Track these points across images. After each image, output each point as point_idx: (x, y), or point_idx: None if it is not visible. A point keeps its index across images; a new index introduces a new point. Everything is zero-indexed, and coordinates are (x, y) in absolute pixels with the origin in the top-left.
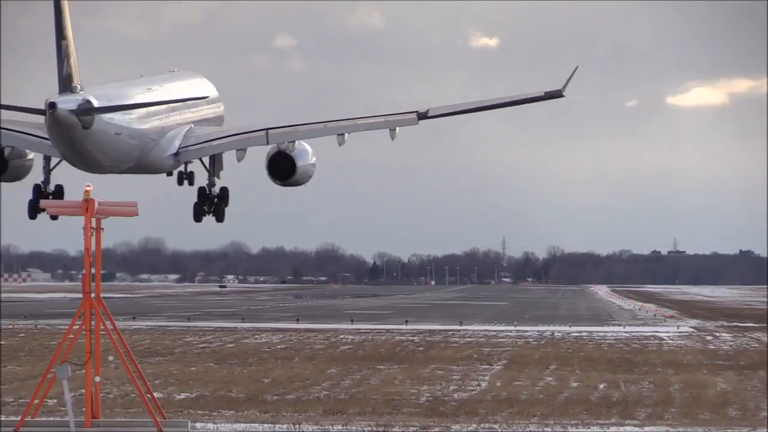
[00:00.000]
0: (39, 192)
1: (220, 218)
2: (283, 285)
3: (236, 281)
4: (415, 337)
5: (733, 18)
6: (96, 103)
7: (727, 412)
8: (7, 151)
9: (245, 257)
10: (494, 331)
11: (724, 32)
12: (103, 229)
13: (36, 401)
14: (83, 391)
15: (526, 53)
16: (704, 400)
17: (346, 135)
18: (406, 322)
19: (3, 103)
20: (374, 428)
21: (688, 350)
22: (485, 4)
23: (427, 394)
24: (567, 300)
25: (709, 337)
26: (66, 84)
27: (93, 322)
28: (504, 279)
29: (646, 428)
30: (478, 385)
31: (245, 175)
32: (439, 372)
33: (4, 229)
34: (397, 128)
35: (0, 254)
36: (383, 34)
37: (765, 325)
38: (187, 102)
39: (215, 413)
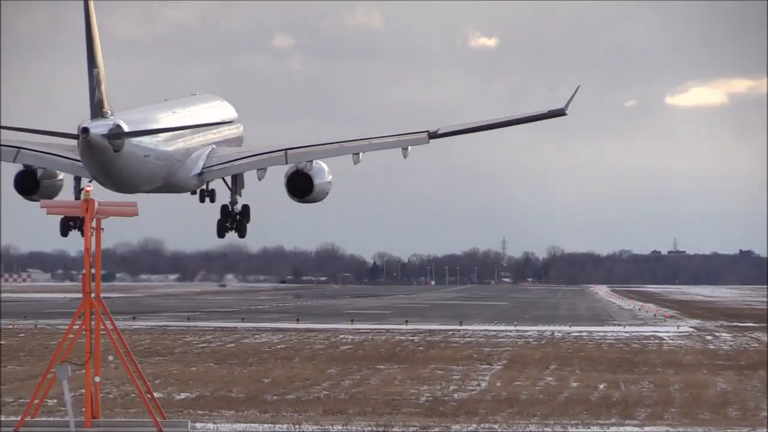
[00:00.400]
0: (226, 212)
1: (242, 234)
2: (283, 285)
3: (236, 281)
4: (415, 337)
5: (731, 18)
6: (126, 128)
7: (727, 412)
8: (39, 172)
9: (245, 257)
10: (494, 331)
11: (723, 32)
12: (103, 229)
13: (36, 401)
14: (83, 391)
15: (525, 53)
16: (704, 400)
17: (361, 154)
18: (406, 322)
19: (34, 128)
20: (374, 428)
21: (688, 350)
22: (484, 4)
23: (427, 394)
24: (567, 300)
25: (709, 337)
26: (97, 110)
27: (93, 322)
28: (504, 279)
29: (646, 428)
30: (478, 385)
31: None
32: (439, 372)
33: (4, 229)
34: (409, 147)
35: (0, 254)
36: (382, 34)
37: (765, 325)
38: (214, 126)
39: (215, 413)
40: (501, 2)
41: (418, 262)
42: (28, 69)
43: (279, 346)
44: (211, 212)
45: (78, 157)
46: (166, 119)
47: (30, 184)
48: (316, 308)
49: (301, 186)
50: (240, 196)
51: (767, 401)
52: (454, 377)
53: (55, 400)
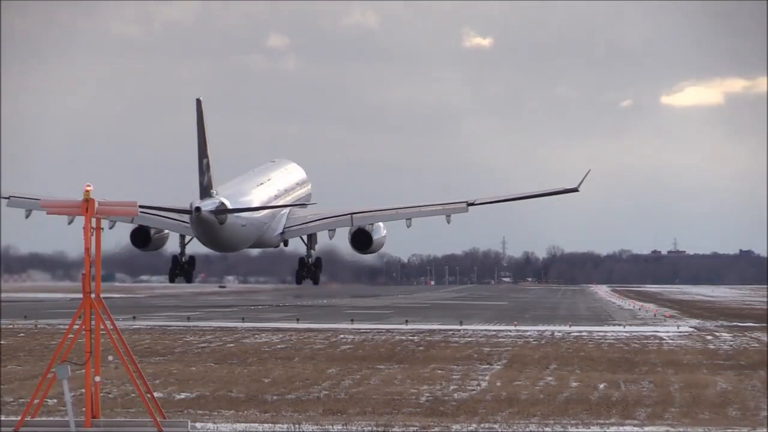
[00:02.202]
0: (176, 261)
1: (316, 281)
2: (283, 285)
3: (236, 282)
4: (415, 337)
5: (727, 18)
6: (229, 205)
7: (727, 411)
8: (153, 230)
9: (245, 259)
10: (494, 330)
11: (718, 32)
12: (103, 229)
13: (36, 401)
14: (83, 391)
15: (520, 53)
16: (704, 400)
17: (404, 216)
18: (406, 321)
19: (146, 204)
20: (374, 428)
21: (688, 350)
22: (479, 4)
23: (427, 394)
24: (567, 300)
25: (709, 337)
26: (206, 190)
27: (93, 322)
28: (504, 279)
29: (646, 428)
30: (478, 384)
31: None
32: (439, 372)
33: (4, 229)
34: (451, 215)
35: (0, 255)
36: (378, 34)
37: (765, 325)
38: (289, 189)
39: (215, 413)
40: (496, 2)
41: (418, 262)
42: (29, 69)
43: (279, 346)
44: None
45: (181, 218)
46: (256, 191)
47: (143, 238)
48: (316, 308)
49: (362, 241)
50: (314, 250)
51: (767, 401)
52: (454, 377)
53: (55, 400)
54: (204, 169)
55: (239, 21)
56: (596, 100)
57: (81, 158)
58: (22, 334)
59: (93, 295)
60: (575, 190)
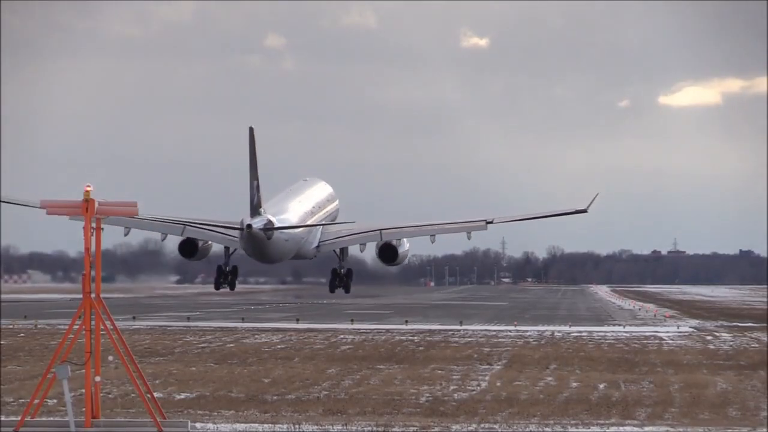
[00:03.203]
0: (221, 271)
1: (347, 290)
2: (283, 285)
3: (236, 282)
4: (415, 337)
5: (724, 18)
6: (276, 223)
7: (727, 412)
8: (200, 243)
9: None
10: (494, 330)
11: (716, 32)
12: (103, 229)
13: (36, 401)
14: (83, 391)
15: (518, 54)
16: (704, 400)
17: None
18: (406, 322)
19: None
20: (374, 428)
21: (688, 350)
22: (476, 4)
23: (427, 394)
24: (567, 300)
25: (709, 337)
26: (255, 209)
27: (93, 322)
28: (504, 279)
29: (646, 428)
30: (478, 385)
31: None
32: (439, 372)
33: (4, 229)
34: (470, 232)
35: (0, 255)
36: (376, 34)
37: (765, 325)
38: (320, 204)
39: (215, 413)
40: (493, 2)
41: (418, 262)
42: (28, 69)
43: (279, 346)
44: (217, 216)
45: (225, 232)
46: (294, 207)
47: (190, 249)
48: (316, 308)
49: (389, 255)
50: (345, 262)
51: (767, 401)
52: (454, 377)
53: (55, 400)
54: (254, 190)
55: (237, 21)
56: (594, 100)
57: (80, 158)
58: (22, 334)
59: (93, 295)
60: (584, 211)
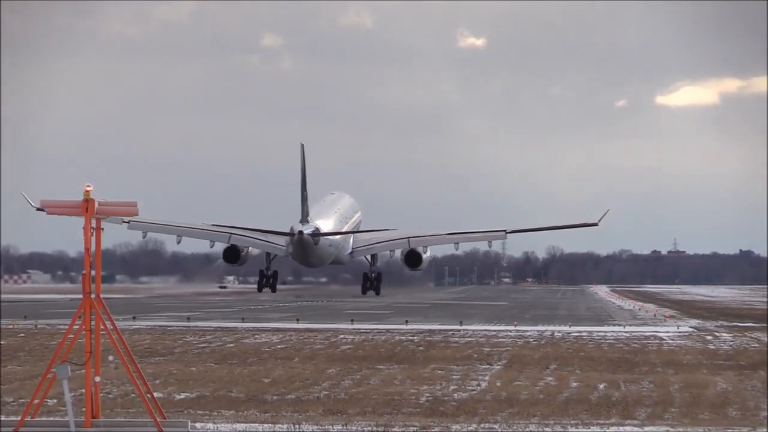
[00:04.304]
0: (263, 275)
1: (378, 292)
2: (283, 286)
3: (237, 282)
4: (415, 337)
5: (722, 18)
6: (323, 230)
7: (727, 412)
8: (243, 250)
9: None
10: (494, 330)
11: (713, 32)
12: (103, 229)
13: (36, 401)
14: (83, 391)
15: (515, 53)
16: (704, 400)
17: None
18: (406, 322)
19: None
20: (374, 428)
21: (688, 350)
22: (473, 4)
23: (427, 394)
24: (567, 300)
25: (709, 337)
26: (304, 217)
27: (93, 322)
28: (504, 279)
29: (646, 428)
30: (478, 384)
31: (244, 173)
32: (439, 372)
33: (4, 229)
34: (491, 242)
35: (0, 255)
36: (373, 34)
37: (765, 325)
38: (349, 215)
39: (215, 413)
40: (490, 2)
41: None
42: (29, 69)
43: (279, 346)
44: (214, 215)
45: (267, 239)
46: (332, 217)
47: (234, 255)
48: (316, 308)
49: (414, 260)
50: (375, 266)
51: (767, 401)
52: (454, 377)
53: (55, 400)
54: (304, 200)
55: (235, 21)
56: (591, 100)
57: (81, 158)
58: (22, 334)
59: (93, 295)
60: (595, 224)
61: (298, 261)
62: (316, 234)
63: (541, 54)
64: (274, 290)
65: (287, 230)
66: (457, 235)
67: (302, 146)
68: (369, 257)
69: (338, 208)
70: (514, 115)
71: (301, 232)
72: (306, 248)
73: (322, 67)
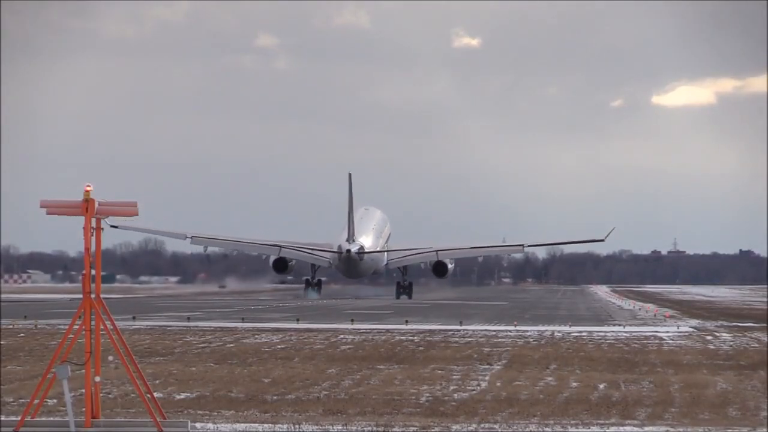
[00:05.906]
0: (309, 283)
1: (410, 296)
2: (283, 285)
3: (237, 282)
4: (415, 337)
5: (719, 17)
6: (366, 248)
7: (727, 411)
8: (291, 261)
9: (245, 259)
10: (494, 330)
11: (710, 32)
12: (103, 229)
13: (36, 401)
14: (83, 391)
15: (510, 53)
16: (704, 400)
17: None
18: (406, 322)
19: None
20: (374, 428)
21: (688, 350)
22: (468, 4)
23: (427, 394)
24: (567, 300)
25: (709, 337)
26: (350, 236)
27: (93, 322)
28: (504, 279)
29: (646, 428)
30: (478, 384)
31: (244, 173)
32: (439, 372)
33: (4, 229)
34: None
35: (0, 255)
36: (369, 34)
37: (765, 325)
38: (382, 229)
39: (215, 413)
40: (485, 2)
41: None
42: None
43: (279, 346)
44: (212, 215)
45: (312, 251)
46: (372, 233)
47: (282, 265)
48: (316, 308)
49: (441, 270)
50: (406, 275)
51: (767, 401)
52: (454, 377)
53: (55, 400)
54: (351, 222)
55: (230, 21)
56: (587, 100)
57: (80, 158)
58: (22, 334)
59: (93, 295)
60: (601, 240)
61: (343, 273)
62: (362, 252)
63: (536, 54)
64: (319, 293)
65: (325, 243)
66: (480, 248)
67: (350, 175)
68: (401, 268)
69: (374, 224)
70: (510, 115)
71: (348, 251)
72: (352, 263)
73: (317, 66)
